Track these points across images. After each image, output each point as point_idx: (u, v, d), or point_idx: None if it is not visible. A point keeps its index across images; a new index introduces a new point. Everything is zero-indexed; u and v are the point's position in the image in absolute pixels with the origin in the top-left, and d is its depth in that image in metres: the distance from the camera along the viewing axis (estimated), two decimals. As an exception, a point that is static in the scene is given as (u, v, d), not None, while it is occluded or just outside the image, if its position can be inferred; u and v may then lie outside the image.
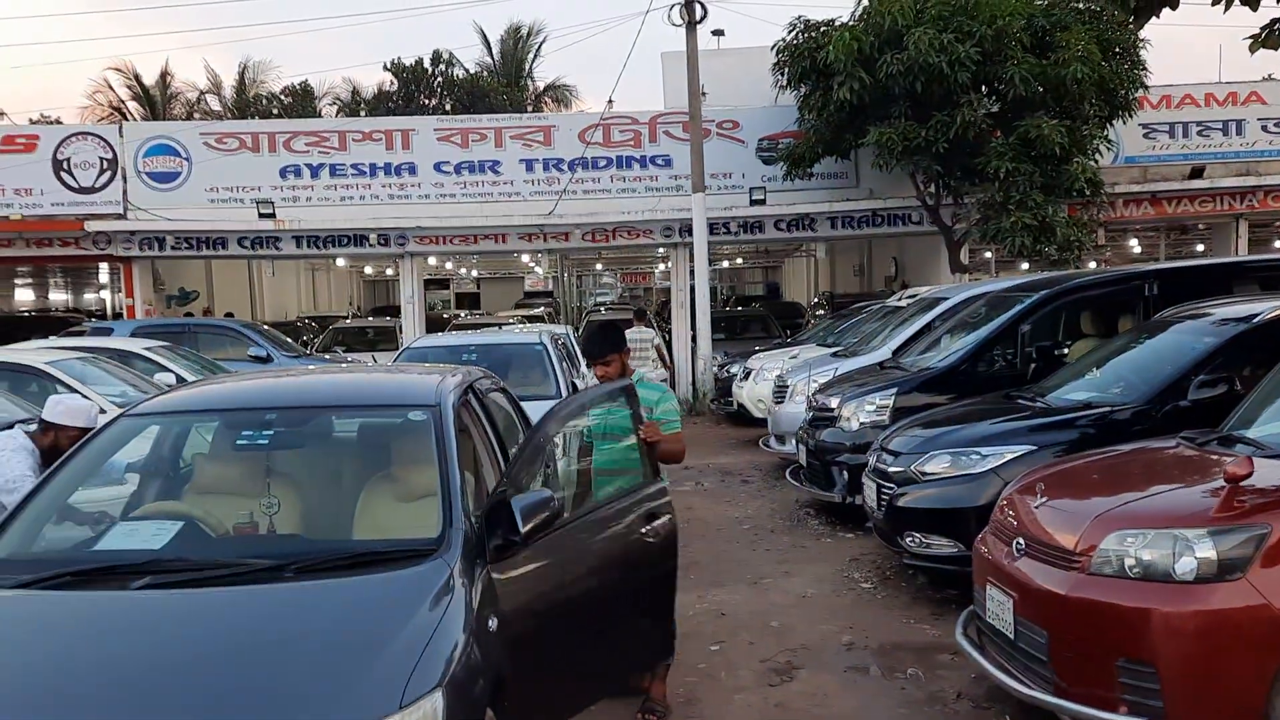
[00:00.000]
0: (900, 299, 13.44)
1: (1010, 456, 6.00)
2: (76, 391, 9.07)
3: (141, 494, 4.28)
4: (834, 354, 11.50)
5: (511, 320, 21.02)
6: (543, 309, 27.40)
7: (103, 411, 8.72)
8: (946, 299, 10.75)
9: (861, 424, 8.11)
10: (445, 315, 27.49)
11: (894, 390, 8.23)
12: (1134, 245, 23.68)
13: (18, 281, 32.06)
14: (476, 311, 31.96)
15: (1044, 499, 4.56)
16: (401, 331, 19.05)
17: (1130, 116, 16.18)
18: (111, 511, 4.10)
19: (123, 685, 2.79)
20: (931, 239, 17.71)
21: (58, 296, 35.00)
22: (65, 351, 10.63)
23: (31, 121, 27.57)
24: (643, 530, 4.27)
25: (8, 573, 3.31)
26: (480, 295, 40.35)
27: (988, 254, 20.65)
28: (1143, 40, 15.19)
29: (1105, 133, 15.92)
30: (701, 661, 5.48)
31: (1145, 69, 15.43)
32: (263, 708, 2.68)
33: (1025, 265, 18.62)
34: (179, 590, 3.21)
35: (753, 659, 5.50)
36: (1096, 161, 15.70)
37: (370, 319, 24.96)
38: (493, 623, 3.37)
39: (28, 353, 10.49)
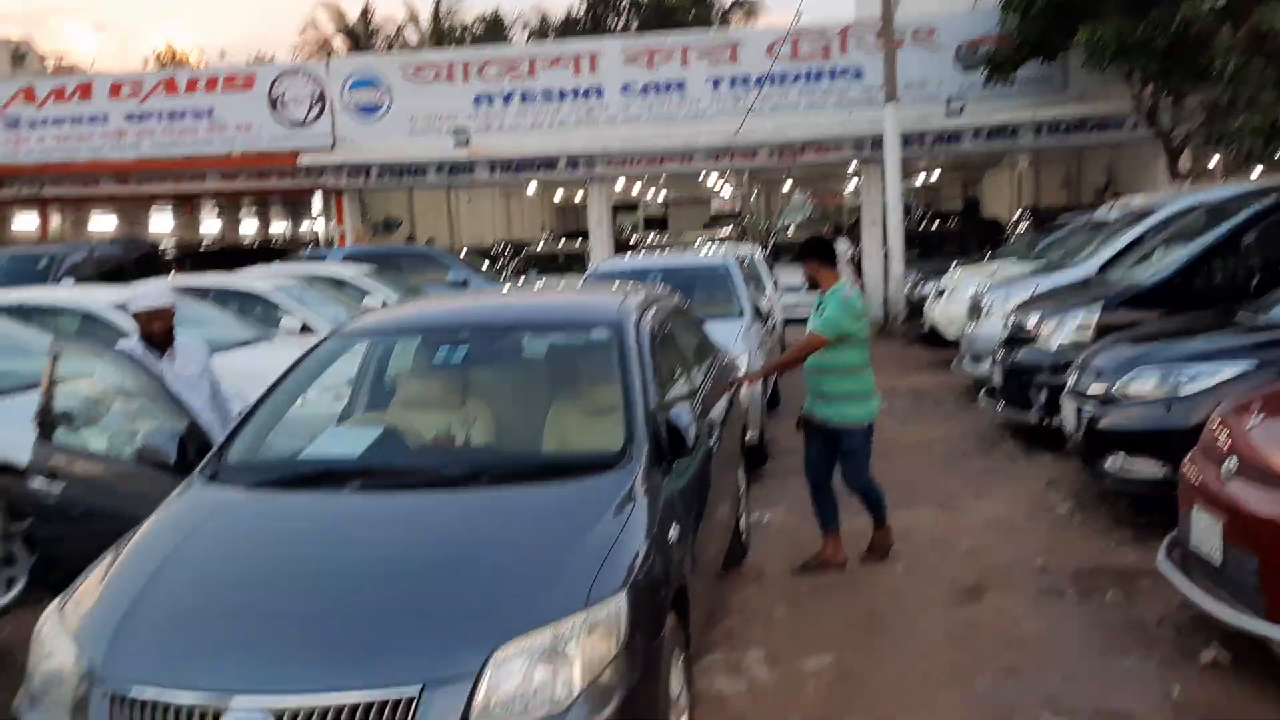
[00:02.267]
0: (1110, 211, 12.61)
1: (1225, 376, 5.59)
2: (294, 315, 9.79)
3: (350, 406, 4.62)
4: (1035, 270, 10.95)
5: (699, 242, 21.02)
6: (730, 230, 27.26)
7: (307, 330, 9.39)
8: (1160, 210, 10.03)
9: (1062, 343, 7.73)
10: (633, 239, 27.80)
11: (1099, 307, 7.79)
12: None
13: (242, 214, 34.49)
14: (664, 234, 32.11)
15: (1261, 419, 4.25)
16: (590, 255, 19.42)
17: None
18: (324, 422, 4.46)
19: (339, 575, 3.06)
20: (1146, 146, 16.47)
21: (277, 227, 37.44)
22: (285, 278, 11.42)
23: (248, 62, 29.31)
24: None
25: (239, 475, 3.66)
26: (668, 218, 40.49)
27: (1209, 161, 19.02)
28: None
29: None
30: (887, 580, 5.46)
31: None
32: (459, 602, 2.88)
33: (1256, 172, 17.04)
34: (386, 493, 3.46)
35: (940, 579, 5.43)
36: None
37: (561, 243, 25.53)
38: (673, 531, 3.48)
39: (253, 279, 11.34)
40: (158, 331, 5.31)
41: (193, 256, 21.08)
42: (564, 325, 4.55)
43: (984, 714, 3.98)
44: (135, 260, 14.53)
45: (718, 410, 4.95)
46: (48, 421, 4.84)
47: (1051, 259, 11.53)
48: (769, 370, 5.41)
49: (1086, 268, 9.76)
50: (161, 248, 19.71)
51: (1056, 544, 5.90)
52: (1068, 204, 21.63)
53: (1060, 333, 7.83)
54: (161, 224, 32.43)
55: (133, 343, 5.36)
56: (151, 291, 5.69)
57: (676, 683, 3.27)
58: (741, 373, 5.68)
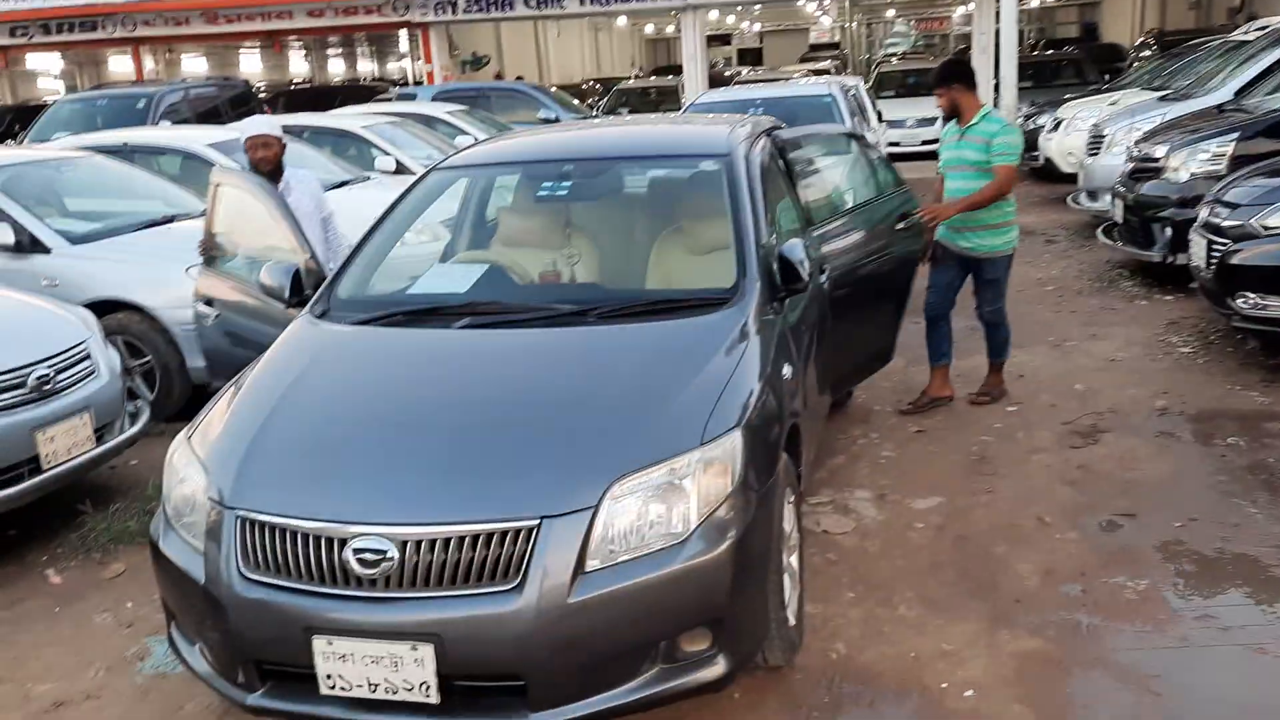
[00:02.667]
0: (1247, 32, 11.63)
1: (1378, 208, 5.19)
2: (389, 154, 9.73)
3: (453, 244, 4.57)
4: (1161, 98, 10.24)
5: (797, 74, 20.20)
6: (829, 62, 26.11)
7: (402, 170, 9.35)
8: (1308, 29, 9.20)
9: (1193, 174, 7.26)
10: (727, 73, 26.85)
11: (1234, 136, 7.27)
12: None
13: (329, 53, 34.28)
14: (759, 67, 30.95)
15: None
16: (683, 90, 18.83)
17: None
18: (427, 260, 4.43)
19: (456, 409, 3.06)
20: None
21: (364, 67, 37.23)
22: (377, 117, 11.33)
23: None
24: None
25: (348, 312, 3.66)
26: (762, 50, 38.97)
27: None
28: None
29: None
30: (997, 421, 5.33)
31: None
32: (576, 436, 2.86)
33: None
34: (496, 330, 3.43)
35: (1053, 421, 5.28)
36: None
37: (652, 79, 24.81)
38: (786, 369, 3.39)
39: (346, 118, 11.28)
40: (264, 160, 5.31)
41: (284, 96, 21.13)
42: (672, 156, 4.37)
43: (1101, 557, 3.90)
44: (230, 100, 14.57)
45: (865, 242, 4.85)
46: (211, 250, 5.04)
47: (1180, 87, 10.76)
48: (962, 207, 5.04)
49: (1220, 94, 9.07)
50: (255, 87, 19.70)
51: (1177, 386, 5.67)
52: (1196, 27, 20.12)
53: (1191, 164, 7.35)
54: (250, 65, 32.54)
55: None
56: (256, 121, 5.68)
57: (788, 521, 3.25)
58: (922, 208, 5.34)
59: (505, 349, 3.35)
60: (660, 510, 2.70)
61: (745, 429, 2.89)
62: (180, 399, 5.94)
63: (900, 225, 5.20)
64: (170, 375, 5.94)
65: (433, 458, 2.86)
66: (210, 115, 13.43)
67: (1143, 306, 7.37)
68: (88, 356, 4.79)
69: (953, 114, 5.38)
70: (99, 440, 4.71)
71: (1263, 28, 11.23)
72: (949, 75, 5.40)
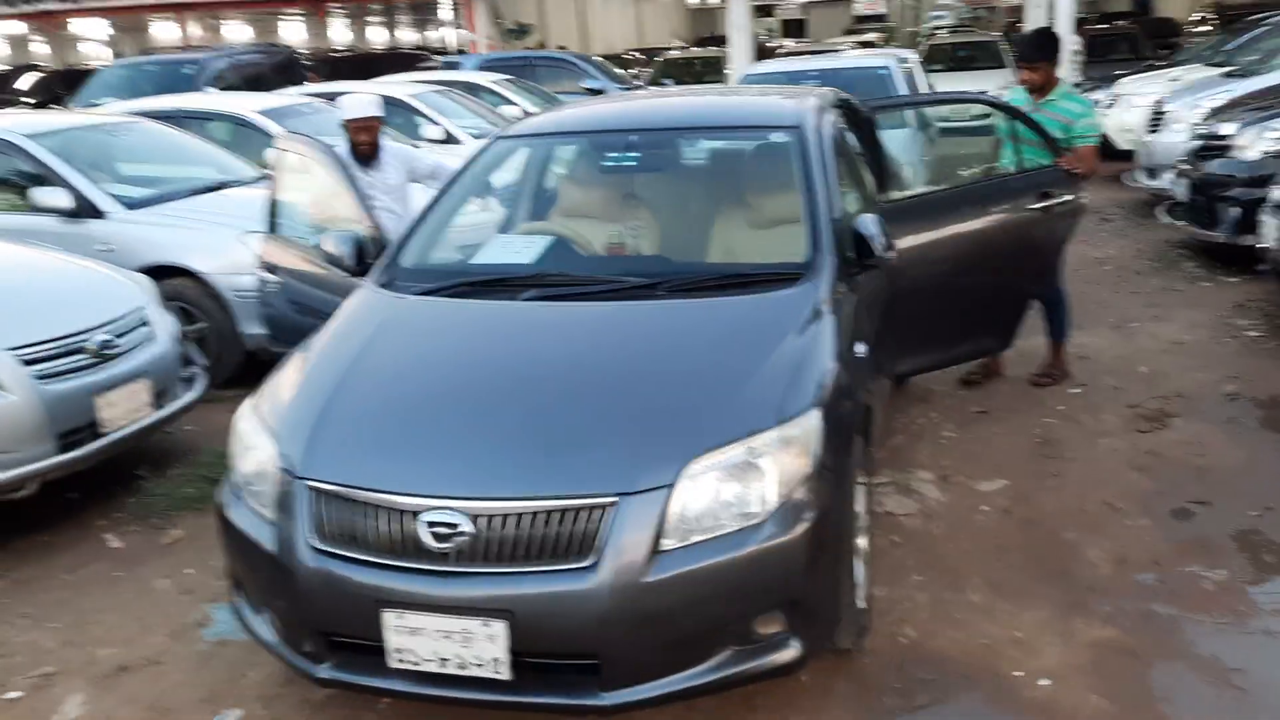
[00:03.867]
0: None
1: None
2: (437, 123, 9.69)
3: (515, 214, 4.51)
4: (1227, 74, 9.96)
5: (843, 47, 19.90)
6: (875, 35, 25.72)
7: (450, 139, 9.30)
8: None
9: (1264, 153, 7.06)
10: (769, 44, 26.53)
11: (1309, 114, 7.04)
12: None
13: (370, 20, 34.25)
14: (803, 39, 30.57)
15: None
16: (728, 62, 18.60)
17: None
18: (490, 230, 4.37)
19: (528, 382, 3.00)
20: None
21: (405, 35, 37.19)
22: (423, 85, 11.27)
23: None
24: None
25: (413, 281, 3.61)
26: (806, 22, 38.46)
27: None
28: None
29: None
30: (1061, 404, 5.22)
31: None
32: (651, 413, 2.80)
33: None
34: (563, 302, 3.37)
35: (1119, 404, 5.16)
36: None
37: (695, 50, 24.57)
38: (860, 348, 3.31)
39: (393, 86, 11.22)
40: (364, 142, 5.35)
41: (327, 64, 21.12)
42: (742, 127, 4.26)
43: (1175, 546, 3.80)
44: (273, 66, 14.56)
45: (971, 221, 4.63)
46: (274, 216, 5.02)
47: (1245, 62, 10.46)
48: (1092, 165, 4.96)
49: (1291, 70, 8.82)
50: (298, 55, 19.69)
51: (1246, 370, 5.52)
52: (1259, 1, 19.56)
53: (1261, 141, 7.15)
54: (292, 32, 32.58)
55: (340, 152, 5.32)
56: (360, 100, 5.45)
57: (860, 503, 3.18)
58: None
59: (575, 322, 3.29)
60: (737, 490, 2.64)
61: (823, 408, 2.82)
62: (233, 365, 5.94)
63: (1035, 205, 4.77)
64: (224, 341, 5.95)
65: (506, 431, 2.81)
66: (256, 82, 13.40)
67: (1206, 288, 7.19)
68: (146, 322, 4.79)
69: (1035, 89, 5.22)
70: (157, 405, 4.71)
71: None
72: (1043, 48, 5.25)
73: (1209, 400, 5.16)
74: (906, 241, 4.28)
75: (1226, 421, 4.90)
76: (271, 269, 4.89)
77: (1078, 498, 4.21)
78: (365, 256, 3.78)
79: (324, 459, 2.80)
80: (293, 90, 11.24)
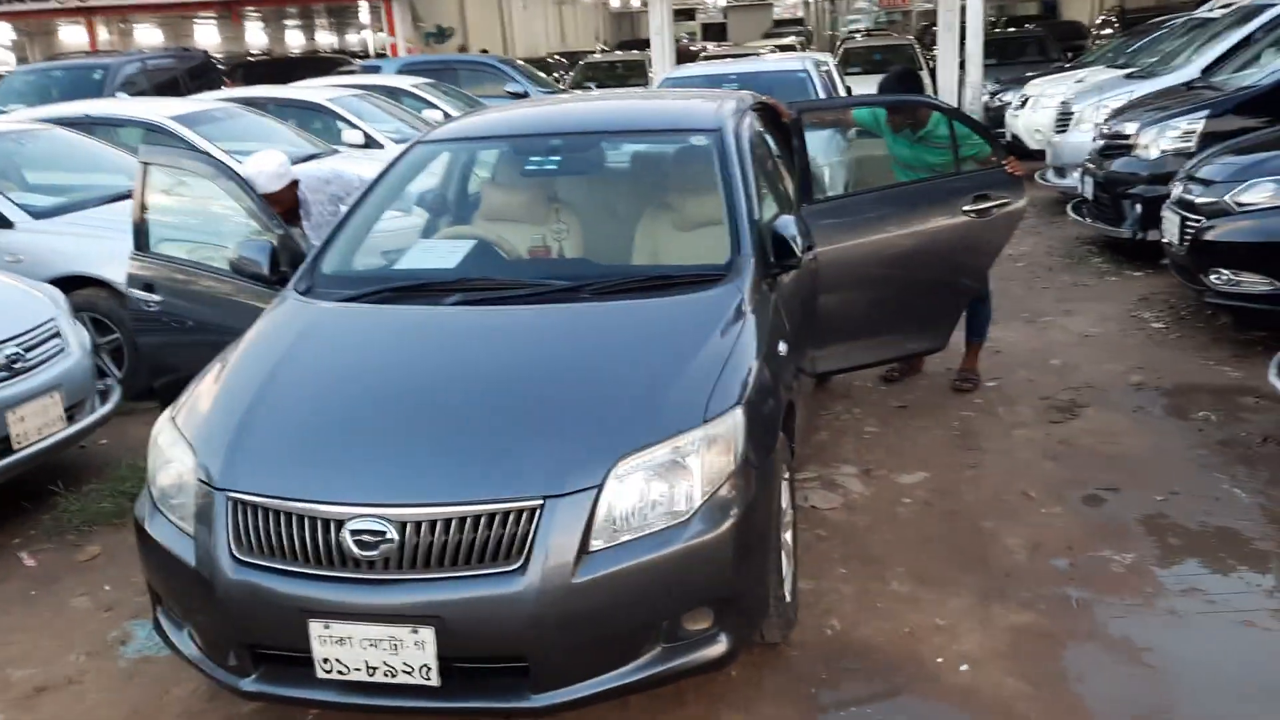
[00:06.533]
0: (1211, 9, 11.74)
1: (1352, 185, 5.26)
2: (357, 127, 9.56)
3: (436, 218, 4.49)
4: (1128, 76, 10.32)
5: (763, 50, 20.13)
6: (794, 38, 26.07)
7: (371, 143, 9.19)
8: (1271, 6, 9.28)
9: (1163, 151, 7.33)
10: (692, 48, 26.71)
11: (1205, 113, 7.34)
12: None
13: (287, 23, 33.66)
14: (724, 43, 30.83)
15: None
16: (650, 65, 18.69)
17: None
18: (411, 235, 4.34)
19: (453, 387, 3.01)
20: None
21: (323, 39, 36.62)
22: (342, 89, 11.13)
23: None
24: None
25: (334, 288, 3.58)
26: (727, 25, 38.81)
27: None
28: None
29: None
30: (978, 397, 5.37)
31: None
32: (577, 415, 2.81)
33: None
34: (487, 306, 3.37)
35: (1032, 396, 5.33)
36: None
37: (618, 53, 24.63)
38: (782, 347, 3.37)
39: (311, 90, 11.06)
40: (282, 213, 4.78)
41: (242, 68, 20.73)
42: (662, 131, 4.30)
43: (1087, 531, 3.93)
44: (188, 71, 14.26)
45: (896, 222, 4.62)
46: (143, 232, 4.71)
47: (1145, 64, 10.85)
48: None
49: (1187, 72, 9.14)
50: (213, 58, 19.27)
51: (1152, 361, 5.74)
52: (1157, 4, 20.31)
53: (1161, 141, 7.42)
54: (207, 36, 31.88)
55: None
56: (263, 175, 4.81)
57: (785, 498, 3.24)
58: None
59: (499, 326, 3.29)
60: (663, 489, 2.67)
61: (746, 406, 2.87)
62: (148, 377, 5.80)
63: (968, 208, 4.70)
64: (138, 352, 5.80)
65: (432, 437, 2.80)
66: (168, 87, 13.13)
67: (1113, 283, 7.45)
68: (57, 334, 4.68)
69: (913, 124, 5.25)
70: (70, 420, 4.60)
71: (1227, 4, 11.34)
72: (909, 90, 5.54)
73: (1117, 390, 5.35)
74: (843, 241, 4.36)
75: (1134, 410, 5.09)
76: (148, 287, 4.53)
77: (995, 487, 4.34)
78: (279, 265, 3.72)
79: (244, 469, 2.77)
80: (208, 95, 11.01)
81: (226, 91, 12.12)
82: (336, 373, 3.16)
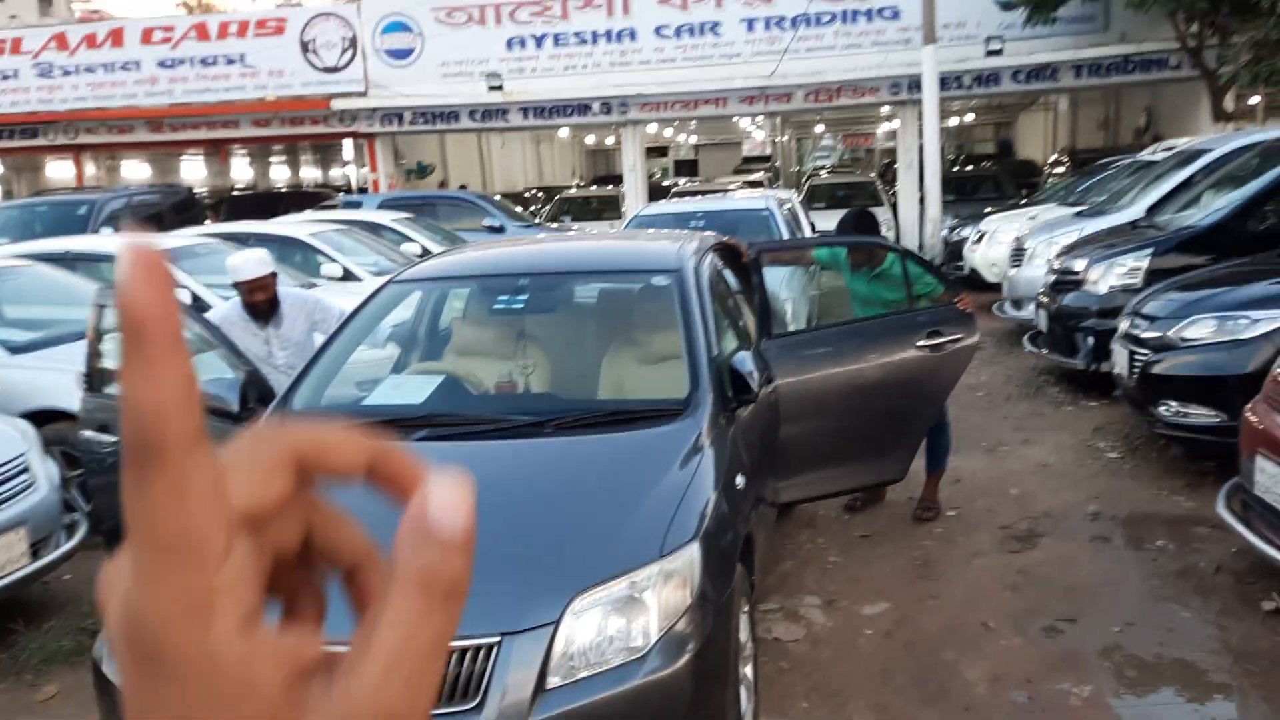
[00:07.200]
0: (1154, 152, 12.36)
1: (1287, 321, 5.50)
2: (335, 261, 9.81)
3: (407, 355, 4.63)
4: (1078, 214, 10.78)
5: (732, 186, 20.81)
6: (762, 174, 26.97)
7: (349, 276, 9.41)
8: (1209, 150, 9.80)
9: (1111, 287, 7.63)
10: (665, 183, 27.58)
11: (1150, 251, 7.67)
12: None
13: (273, 160, 34.48)
14: (695, 178, 31.82)
15: (1331, 367, 4.18)
16: (624, 200, 19.28)
17: None
18: (382, 371, 4.47)
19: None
20: (1189, 86, 16.09)
21: (308, 173, 37.45)
22: (323, 224, 11.42)
23: (279, 5, 29.06)
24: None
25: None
26: (698, 162, 40.13)
27: (1253, 99, 18.54)
28: None
29: None
30: (939, 526, 5.46)
31: None
32: (535, 551, 2.89)
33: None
34: (451, 442, 3.47)
35: (992, 525, 5.43)
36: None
37: (593, 188, 25.37)
38: (739, 480, 3.48)
39: (292, 225, 11.34)
40: (260, 300, 5.09)
41: (227, 203, 21.16)
42: (624, 271, 4.51)
43: (1045, 663, 3.99)
44: (172, 206, 14.58)
45: (853, 357, 4.75)
46: (95, 374, 4.72)
47: (1094, 202, 11.35)
48: None
49: (1133, 211, 9.58)
50: (198, 193, 19.71)
51: (1107, 490, 5.87)
52: (1105, 146, 21.24)
53: (1109, 277, 7.72)
54: (193, 171, 32.56)
55: (230, 309, 5.22)
56: (248, 261, 5.14)
57: (744, 631, 3.29)
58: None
59: (462, 460, 3.36)
60: (620, 624, 2.73)
61: (703, 540, 2.95)
62: (118, 511, 5.80)
63: (923, 342, 4.82)
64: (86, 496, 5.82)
65: (393, 572, 2.85)
66: (153, 221, 13.40)
67: (1069, 412, 7.64)
68: (26, 469, 4.71)
69: (869, 262, 5.52)
70: (34, 555, 4.59)
71: (1169, 148, 11.94)
72: (866, 230, 5.77)
73: (1074, 519, 5.46)
74: (803, 374, 4.51)
75: (1090, 540, 5.19)
76: (103, 428, 4.50)
77: (955, 618, 4.40)
78: (248, 401, 3.82)
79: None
80: (191, 230, 11.26)
81: (210, 226, 12.40)
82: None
